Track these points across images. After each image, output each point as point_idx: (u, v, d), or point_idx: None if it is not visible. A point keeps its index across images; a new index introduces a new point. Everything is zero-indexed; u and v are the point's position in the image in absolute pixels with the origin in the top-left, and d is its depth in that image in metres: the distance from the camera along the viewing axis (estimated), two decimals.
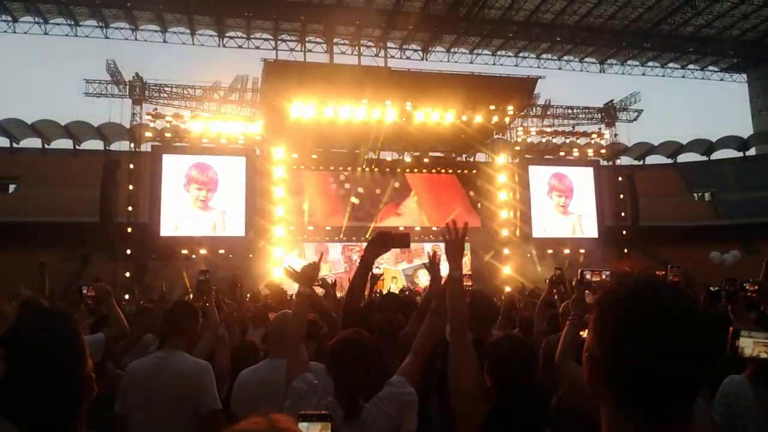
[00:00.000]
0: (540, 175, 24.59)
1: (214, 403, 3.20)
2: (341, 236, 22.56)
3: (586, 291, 3.98)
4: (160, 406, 3.14)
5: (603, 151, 25.74)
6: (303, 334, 2.80)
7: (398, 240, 3.45)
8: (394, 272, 22.68)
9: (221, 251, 21.23)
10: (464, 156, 25.72)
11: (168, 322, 3.49)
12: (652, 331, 1.00)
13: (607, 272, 4.66)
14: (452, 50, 28.54)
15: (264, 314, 6.39)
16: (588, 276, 4.59)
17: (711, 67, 34.38)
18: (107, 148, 33.72)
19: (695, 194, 36.90)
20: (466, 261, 23.23)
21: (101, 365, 3.67)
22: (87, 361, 1.38)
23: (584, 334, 3.41)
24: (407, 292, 11.79)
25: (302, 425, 1.31)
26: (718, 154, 38.87)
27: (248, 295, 10.25)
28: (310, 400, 2.37)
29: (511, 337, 2.73)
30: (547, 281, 6.08)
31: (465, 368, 2.39)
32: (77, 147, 34.70)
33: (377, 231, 3.55)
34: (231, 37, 26.61)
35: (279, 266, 20.99)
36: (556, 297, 5.30)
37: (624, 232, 24.95)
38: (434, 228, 23.10)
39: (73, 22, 25.69)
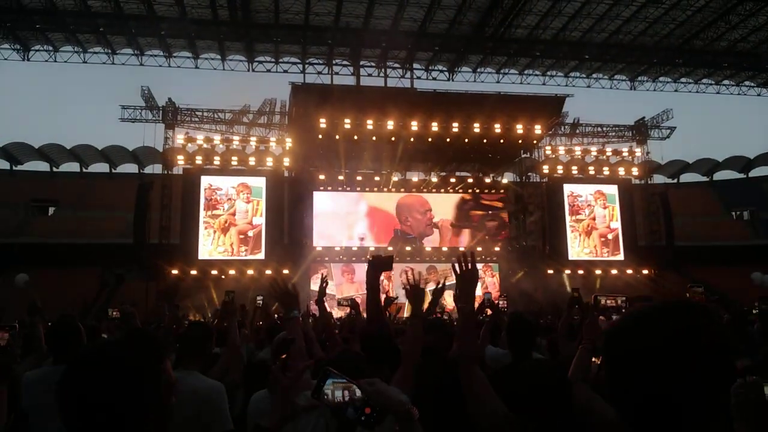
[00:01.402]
0: (569, 194, 24.23)
1: (226, 424, 3.23)
2: (368, 256, 22.56)
3: (600, 316, 3.86)
4: (173, 426, 3.15)
5: (635, 169, 25.25)
6: (303, 353, 2.85)
7: (382, 263, 3.50)
8: (426, 293, 22.54)
9: (250, 272, 21.46)
10: (492, 175, 25.55)
11: (183, 342, 3.53)
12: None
13: (622, 298, 4.52)
14: (479, 70, 28.52)
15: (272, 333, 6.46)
16: (603, 301, 4.46)
17: (747, 83, 33.52)
18: (141, 171, 34.64)
19: (733, 213, 35.80)
20: (495, 282, 22.95)
21: None
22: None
23: (597, 360, 3.30)
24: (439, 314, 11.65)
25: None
26: (757, 171, 37.73)
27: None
28: (311, 416, 2.39)
29: (539, 363, 2.67)
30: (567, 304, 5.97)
31: (481, 402, 2.33)
32: (113, 170, 35.76)
33: (372, 255, 3.59)
34: (260, 62, 27.16)
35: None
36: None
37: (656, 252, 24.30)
38: (460, 249, 22.91)
39: (110, 51, 26.61)
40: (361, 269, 22.50)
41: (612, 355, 1.10)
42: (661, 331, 1.05)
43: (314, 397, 1.63)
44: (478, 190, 24.62)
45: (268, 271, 21.43)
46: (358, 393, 1.58)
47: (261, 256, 22.12)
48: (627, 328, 1.12)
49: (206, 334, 3.62)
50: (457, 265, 2.65)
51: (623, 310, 4.24)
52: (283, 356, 1.83)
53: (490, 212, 24.36)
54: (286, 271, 21.78)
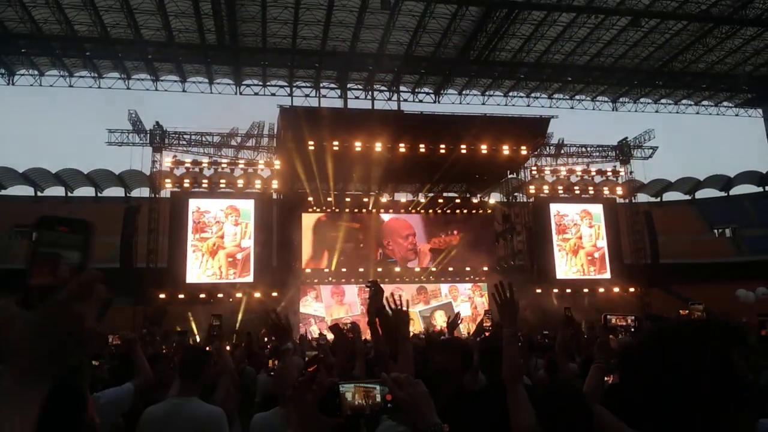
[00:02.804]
0: (555, 213, 24.50)
1: None
2: (360, 278, 22.56)
3: (611, 336, 3.93)
4: None
5: (619, 189, 25.63)
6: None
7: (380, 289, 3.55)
8: (411, 314, 22.49)
9: (239, 295, 21.29)
10: (479, 196, 25.78)
11: (183, 367, 3.53)
12: None
13: (632, 317, 4.58)
14: (464, 92, 28.94)
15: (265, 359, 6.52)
16: (612, 320, 4.51)
17: (725, 103, 34.34)
18: (128, 194, 34.42)
19: (715, 230, 36.37)
20: (484, 301, 23.02)
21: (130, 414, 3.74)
22: None
23: (609, 379, 3.37)
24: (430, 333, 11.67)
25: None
26: (737, 190, 38.46)
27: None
28: None
29: (565, 384, 2.78)
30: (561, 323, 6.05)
31: (522, 419, 2.46)
32: (99, 194, 35.49)
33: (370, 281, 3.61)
34: (248, 85, 27.36)
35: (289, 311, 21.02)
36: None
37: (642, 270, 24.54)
38: (450, 269, 23.01)
39: (96, 75, 26.64)
40: (351, 291, 22.46)
41: (637, 378, 1.09)
42: (694, 355, 1.04)
43: (331, 415, 1.61)
44: (465, 211, 24.80)
45: (257, 294, 21.31)
46: (378, 398, 1.59)
47: (250, 278, 21.98)
48: (656, 351, 1.10)
49: (203, 359, 3.62)
50: (496, 295, 2.86)
51: (633, 329, 4.31)
52: (312, 368, 1.83)
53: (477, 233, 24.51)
54: (275, 294, 21.68)
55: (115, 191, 35.43)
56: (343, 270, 22.77)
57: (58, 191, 35.41)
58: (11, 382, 0.79)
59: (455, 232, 24.27)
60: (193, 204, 22.73)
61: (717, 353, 1.03)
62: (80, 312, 0.81)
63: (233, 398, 4.43)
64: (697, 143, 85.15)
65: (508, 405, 2.54)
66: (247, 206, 22.95)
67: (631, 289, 23.73)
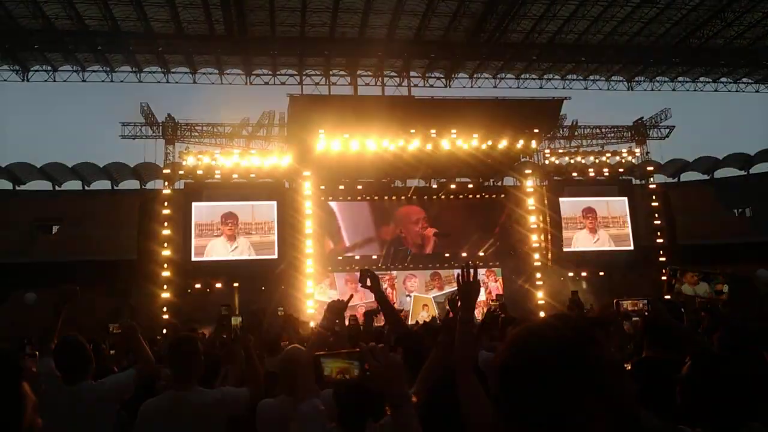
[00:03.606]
0: (569, 196, 24.22)
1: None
2: (373, 265, 22.57)
3: (624, 321, 3.87)
4: None
5: (635, 170, 25.26)
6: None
7: (375, 276, 3.54)
8: (425, 300, 22.56)
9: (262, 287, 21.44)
10: (492, 181, 25.57)
11: (173, 359, 3.51)
12: None
13: (644, 301, 4.49)
14: (475, 76, 28.63)
15: (276, 343, 6.50)
16: (624, 305, 4.43)
17: (745, 79, 33.55)
18: (143, 186, 34.79)
19: (735, 210, 35.71)
20: (498, 286, 22.94)
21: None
22: None
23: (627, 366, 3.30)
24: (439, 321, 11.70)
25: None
26: (758, 168, 37.64)
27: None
28: (315, 423, 2.44)
29: None
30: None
31: (475, 408, 2.35)
32: (115, 187, 35.91)
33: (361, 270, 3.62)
34: (257, 75, 27.35)
35: (311, 299, 21.20)
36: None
37: (661, 252, 24.16)
38: (463, 254, 22.92)
39: (108, 69, 26.83)
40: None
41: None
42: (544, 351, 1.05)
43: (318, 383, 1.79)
44: (478, 196, 24.62)
45: (282, 287, 21.46)
46: (356, 372, 1.71)
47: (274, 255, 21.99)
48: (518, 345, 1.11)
49: (192, 349, 3.51)
50: (459, 276, 2.74)
51: (646, 313, 4.25)
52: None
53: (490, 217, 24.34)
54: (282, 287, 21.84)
55: (131, 184, 35.84)
56: (357, 258, 22.81)
57: (75, 185, 35.90)
58: None
59: (467, 217, 24.13)
60: (207, 195, 22.85)
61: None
62: None
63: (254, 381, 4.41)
64: (715, 121, 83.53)
65: (460, 395, 2.40)
66: (259, 195, 23.04)
67: (648, 272, 23.44)
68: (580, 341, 1.05)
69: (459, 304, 2.74)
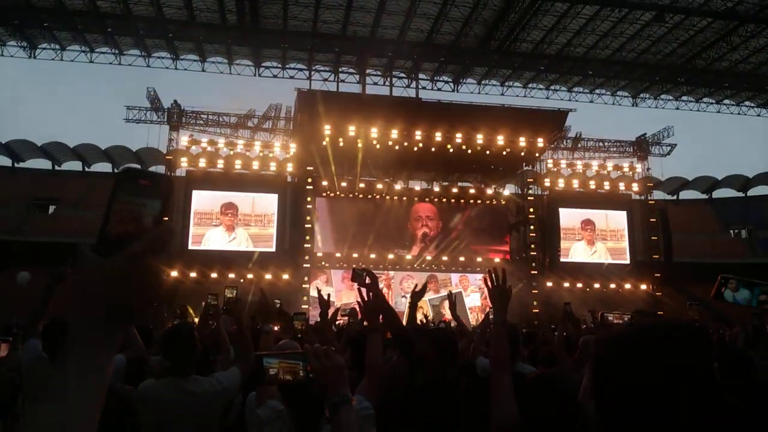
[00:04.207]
0: (569, 207, 24.39)
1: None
2: (368, 264, 22.66)
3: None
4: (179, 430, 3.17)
5: (635, 185, 25.44)
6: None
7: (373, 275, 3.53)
8: (421, 302, 22.63)
9: (250, 276, 21.42)
10: (494, 187, 25.71)
11: (167, 352, 3.41)
12: None
13: (628, 315, 4.62)
14: (483, 82, 28.74)
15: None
16: (609, 318, 4.56)
17: (747, 103, 33.82)
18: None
19: (731, 231, 35.99)
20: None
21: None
22: None
23: None
24: (432, 324, 11.76)
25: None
26: (755, 191, 37.97)
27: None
28: (274, 425, 2.42)
29: (545, 377, 2.65)
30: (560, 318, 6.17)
31: (505, 408, 2.40)
32: (115, 170, 35.79)
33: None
34: (267, 67, 27.34)
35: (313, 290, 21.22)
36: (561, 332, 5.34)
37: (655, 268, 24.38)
38: (461, 259, 23.03)
39: (117, 51, 26.75)
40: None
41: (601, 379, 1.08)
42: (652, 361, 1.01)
43: (257, 383, 1.79)
44: (479, 201, 24.75)
45: (268, 275, 21.47)
46: (302, 374, 1.78)
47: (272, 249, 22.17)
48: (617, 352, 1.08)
49: (190, 336, 3.38)
50: (489, 281, 2.77)
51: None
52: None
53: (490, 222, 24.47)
54: (285, 276, 21.86)
55: None
56: (354, 255, 22.88)
57: (75, 166, 35.76)
58: (82, 330, 0.78)
59: (467, 222, 24.24)
60: (209, 183, 22.88)
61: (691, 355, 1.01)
62: (157, 264, 0.80)
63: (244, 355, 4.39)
64: (716, 142, 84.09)
65: (491, 395, 2.44)
66: (261, 188, 23.12)
67: (643, 286, 23.63)
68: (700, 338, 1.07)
69: (493, 306, 2.79)
